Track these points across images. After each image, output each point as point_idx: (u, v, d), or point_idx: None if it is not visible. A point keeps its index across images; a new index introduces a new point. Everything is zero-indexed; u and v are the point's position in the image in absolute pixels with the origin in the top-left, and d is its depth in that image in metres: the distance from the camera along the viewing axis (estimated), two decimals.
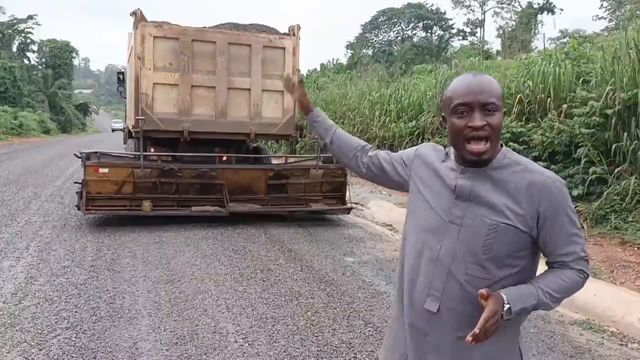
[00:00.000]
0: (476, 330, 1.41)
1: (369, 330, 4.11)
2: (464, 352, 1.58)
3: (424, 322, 1.63)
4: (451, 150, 1.69)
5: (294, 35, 8.68)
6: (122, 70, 12.53)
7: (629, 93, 6.98)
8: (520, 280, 1.56)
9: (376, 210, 9.60)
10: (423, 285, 1.63)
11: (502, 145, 1.63)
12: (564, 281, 1.55)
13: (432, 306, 1.60)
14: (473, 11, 52.89)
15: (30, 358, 3.45)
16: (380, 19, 51.90)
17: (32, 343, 3.67)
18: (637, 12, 12.44)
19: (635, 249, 5.94)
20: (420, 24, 51.66)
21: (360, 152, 1.95)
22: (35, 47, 53.41)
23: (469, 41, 50.10)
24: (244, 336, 3.92)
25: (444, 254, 1.59)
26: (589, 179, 7.14)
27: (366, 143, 1.99)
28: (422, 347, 1.65)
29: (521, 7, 46.90)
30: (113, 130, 55.53)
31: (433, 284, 1.61)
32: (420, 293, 1.64)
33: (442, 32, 52.38)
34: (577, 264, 1.56)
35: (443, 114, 1.66)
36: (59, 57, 53.99)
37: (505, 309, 1.45)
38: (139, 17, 7.93)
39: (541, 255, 1.64)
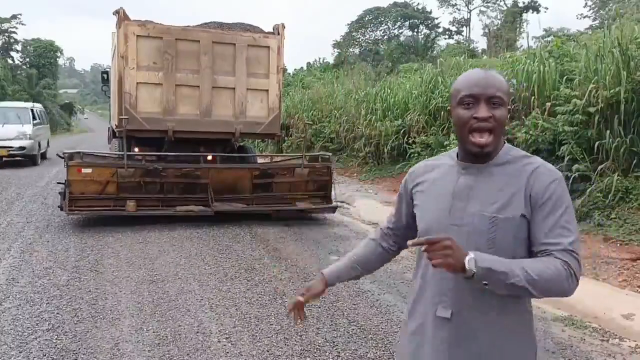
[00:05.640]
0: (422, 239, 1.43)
1: (353, 329, 4.11)
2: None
3: (439, 329, 1.61)
4: (446, 154, 1.73)
5: (278, 34, 8.66)
6: (107, 70, 12.43)
7: (612, 91, 7.03)
8: None
9: (362, 208, 9.60)
10: (434, 292, 1.62)
11: (504, 142, 1.64)
12: (544, 264, 1.43)
13: (444, 313, 1.58)
14: (459, 10, 53.02)
15: None
16: (366, 18, 51.89)
17: (12, 345, 3.63)
18: (621, 11, 12.56)
19: (618, 245, 6.00)
20: (407, 23, 51.76)
21: (383, 251, 1.92)
22: (19, 47, 52.69)
23: (455, 40, 50.24)
24: (227, 336, 3.90)
25: None
26: (572, 177, 7.18)
27: (374, 238, 1.94)
28: (438, 354, 1.62)
29: (506, 5, 47.13)
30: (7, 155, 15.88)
31: (442, 290, 1.59)
32: (431, 301, 1.62)
33: (428, 31, 52.49)
34: (562, 254, 1.45)
35: (449, 107, 1.67)
36: (44, 56, 53.34)
37: (468, 258, 1.37)
38: (122, 16, 7.86)
39: None
